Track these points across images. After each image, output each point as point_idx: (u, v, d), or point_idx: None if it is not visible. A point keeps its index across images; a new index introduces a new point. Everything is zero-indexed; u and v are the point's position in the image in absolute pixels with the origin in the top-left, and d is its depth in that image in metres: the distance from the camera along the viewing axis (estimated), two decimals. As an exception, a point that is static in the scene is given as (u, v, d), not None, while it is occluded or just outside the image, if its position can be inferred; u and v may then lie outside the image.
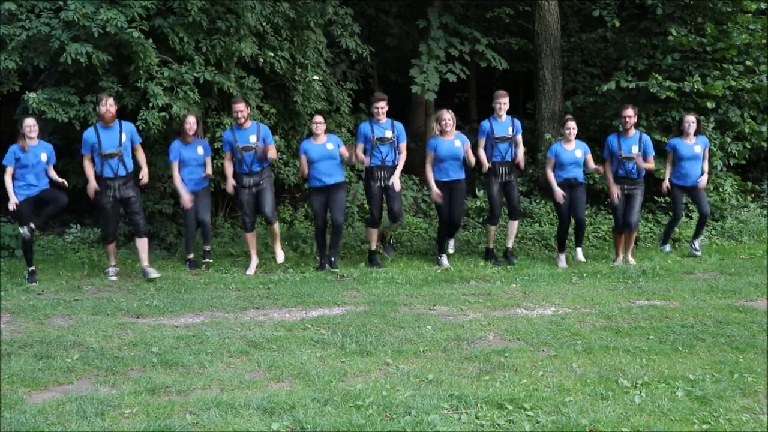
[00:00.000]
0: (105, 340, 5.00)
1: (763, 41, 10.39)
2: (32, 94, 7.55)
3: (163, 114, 7.87)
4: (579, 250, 8.14)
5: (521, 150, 8.13)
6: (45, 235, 8.69)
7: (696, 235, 8.49)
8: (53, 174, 7.17)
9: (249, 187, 7.53)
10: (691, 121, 8.26)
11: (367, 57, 10.73)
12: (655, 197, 9.99)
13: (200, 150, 7.68)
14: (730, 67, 10.26)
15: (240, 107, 7.44)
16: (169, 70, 7.96)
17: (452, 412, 3.70)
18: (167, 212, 8.67)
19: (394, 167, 7.79)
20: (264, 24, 8.84)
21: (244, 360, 4.59)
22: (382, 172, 7.76)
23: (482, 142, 8.03)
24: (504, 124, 8.01)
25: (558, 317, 5.64)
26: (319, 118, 7.75)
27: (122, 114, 7.66)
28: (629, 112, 7.94)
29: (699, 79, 9.92)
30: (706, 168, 8.34)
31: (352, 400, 3.82)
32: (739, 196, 10.46)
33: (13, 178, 6.94)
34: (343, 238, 8.86)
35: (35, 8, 7.77)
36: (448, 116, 7.82)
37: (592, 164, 8.07)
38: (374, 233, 8.02)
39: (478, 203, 10.22)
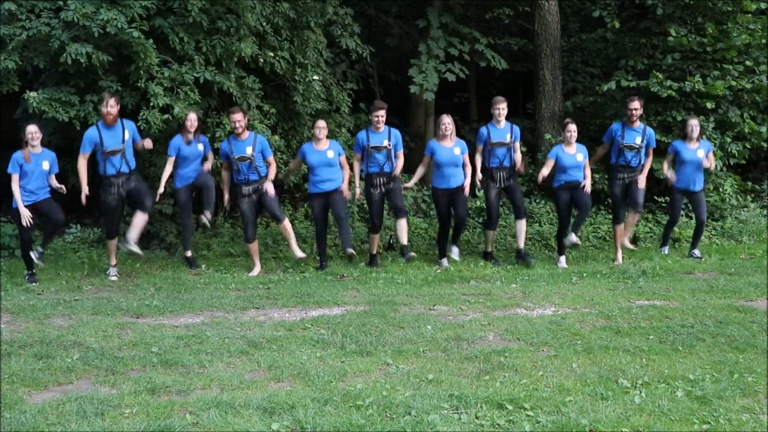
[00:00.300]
0: (105, 340, 5.00)
1: (763, 41, 10.39)
2: (32, 94, 7.55)
3: (166, 116, 7.87)
4: (573, 235, 7.99)
5: (519, 155, 8.13)
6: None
7: (694, 244, 8.45)
8: (54, 182, 7.14)
9: (249, 195, 7.53)
10: (694, 125, 8.17)
11: (367, 57, 10.73)
12: (655, 197, 9.99)
13: (200, 146, 7.70)
14: (730, 67, 10.27)
15: (237, 117, 7.43)
16: (169, 70, 7.96)
17: (452, 412, 3.70)
18: (167, 212, 8.66)
19: (391, 174, 7.82)
20: (264, 24, 8.84)
21: (244, 360, 4.59)
22: (381, 179, 7.78)
23: (480, 148, 8.05)
24: (502, 130, 8.01)
25: (558, 317, 5.64)
26: (321, 123, 7.78)
27: (122, 113, 7.66)
28: (635, 104, 7.98)
29: (700, 79, 9.92)
30: (710, 162, 8.27)
31: (352, 400, 3.82)
32: (739, 196, 10.46)
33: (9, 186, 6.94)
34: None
35: (35, 8, 7.77)
36: (447, 120, 7.84)
37: (588, 171, 8.09)
38: (376, 238, 8.00)
39: (478, 203, 10.22)
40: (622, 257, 8.17)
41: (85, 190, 7.06)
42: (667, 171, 8.30)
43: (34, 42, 7.66)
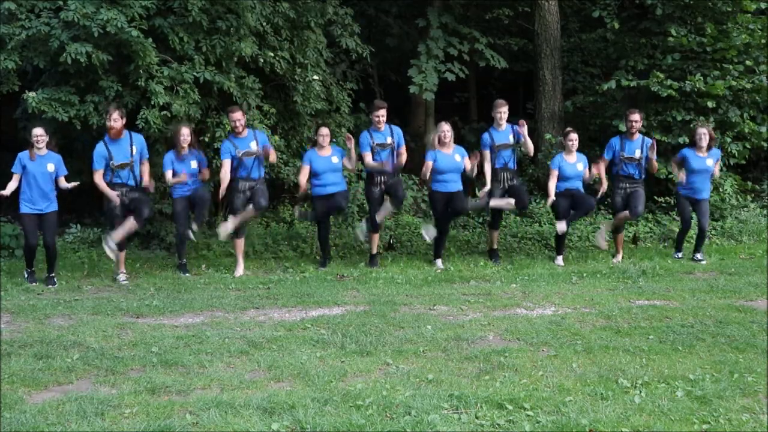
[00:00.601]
0: (105, 340, 4.99)
1: (763, 41, 10.39)
2: (32, 94, 7.55)
3: (164, 113, 7.87)
4: (559, 258, 8.18)
5: (530, 144, 8.07)
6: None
7: (697, 249, 8.32)
8: (64, 184, 7.07)
9: (243, 191, 7.50)
10: (703, 133, 8.03)
11: (367, 57, 10.73)
12: (655, 197, 9.99)
13: (194, 164, 7.51)
14: (730, 67, 10.27)
15: (237, 116, 7.43)
16: (169, 69, 7.96)
17: (452, 412, 3.70)
18: (167, 212, 8.66)
19: (393, 171, 7.85)
20: (264, 24, 8.84)
21: (244, 360, 4.59)
22: (382, 177, 7.79)
23: (487, 154, 8.03)
24: (504, 132, 8.05)
25: (558, 317, 5.64)
26: (324, 131, 7.84)
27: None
28: (636, 116, 8.01)
29: (701, 77, 9.92)
30: (716, 171, 8.21)
31: (352, 400, 3.82)
32: (739, 196, 10.46)
33: (19, 187, 6.89)
34: (342, 238, 8.89)
35: (35, 8, 7.77)
36: (446, 128, 7.89)
37: (587, 175, 8.11)
38: (376, 238, 8.02)
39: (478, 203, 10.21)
40: (621, 258, 8.20)
41: (112, 194, 7.01)
42: (677, 171, 8.20)
43: (33, 42, 7.66)
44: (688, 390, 4.03)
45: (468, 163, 7.87)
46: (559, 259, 8.16)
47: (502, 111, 8.02)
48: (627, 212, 8.03)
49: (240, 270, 7.60)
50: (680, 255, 8.38)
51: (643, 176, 8.11)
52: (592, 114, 11.18)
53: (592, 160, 8.26)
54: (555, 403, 3.81)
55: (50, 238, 7.09)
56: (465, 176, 7.98)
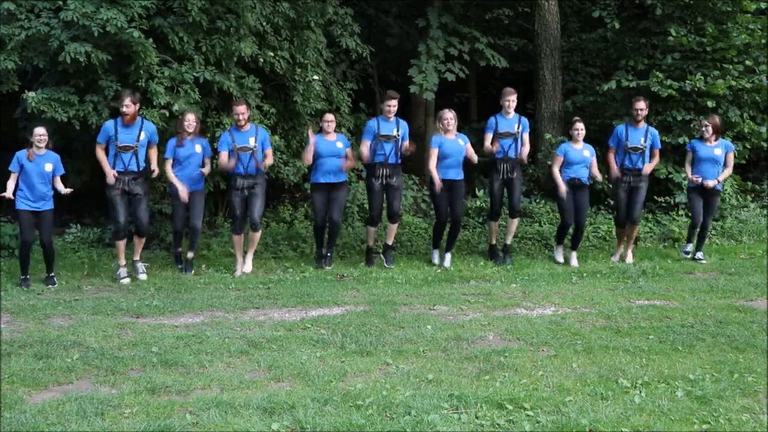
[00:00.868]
0: (105, 340, 4.99)
1: (763, 41, 10.39)
2: (31, 94, 7.55)
3: (163, 111, 7.86)
4: (574, 254, 8.19)
5: (527, 148, 8.13)
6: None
7: (698, 247, 8.29)
8: (59, 186, 7.06)
9: (241, 189, 7.48)
10: (705, 124, 8.13)
11: (367, 57, 10.73)
12: (655, 197, 9.99)
13: (198, 148, 7.54)
14: (730, 67, 10.27)
15: (241, 109, 7.45)
16: (169, 69, 7.96)
17: (452, 412, 3.69)
18: (167, 212, 8.65)
19: (395, 165, 7.84)
20: (264, 24, 8.84)
21: (244, 360, 4.59)
22: (384, 170, 7.78)
23: (489, 137, 8.05)
24: (510, 121, 8.07)
25: (558, 317, 5.64)
26: (330, 116, 7.89)
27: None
28: (641, 104, 8.01)
29: (702, 77, 9.92)
30: (724, 174, 8.12)
31: (352, 400, 3.82)
32: (739, 196, 10.46)
33: (16, 185, 6.91)
34: (342, 238, 8.87)
35: (35, 8, 7.77)
36: (450, 115, 7.88)
37: (595, 170, 8.09)
38: (372, 232, 8.02)
39: (478, 203, 10.22)
40: (622, 259, 8.20)
41: (109, 171, 7.03)
42: (691, 174, 8.10)
43: (33, 42, 7.66)
44: (688, 390, 4.03)
45: (471, 150, 7.88)
46: (573, 257, 8.14)
47: (511, 99, 8.09)
48: (627, 222, 8.11)
49: (240, 268, 7.58)
50: (690, 248, 8.32)
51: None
52: (592, 114, 11.18)
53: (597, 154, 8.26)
54: (555, 403, 3.81)
55: (46, 236, 7.10)
56: (467, 166, 7.99)
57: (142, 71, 7.72)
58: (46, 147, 7.00)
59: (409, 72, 10.33)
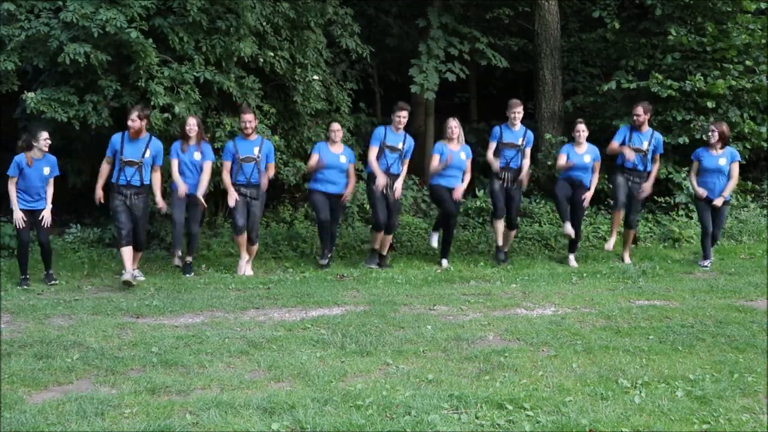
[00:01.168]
0: (105, 340, 4.99)
1: (763, 41, 10.39)
2: (30, 94, 7.55)
3: (166, 115, 7.87)
4: (572, 256, 8.22)
5: (527, 162, 8.14)
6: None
7: (706, 255, 7.98)
8: (50, 190, 7.06)
9: (244, 195, 7.50)
10: (711, 129, 7.91)
11: (367, 57, 10.73)
12: (655, 197, 9.99)
13: (197, 155, 7.45)
14: (730, 66, 10.27)
15: (249, 117, 7.48)
16: (169, 69, 7.96)
17: (452, 412, 3.69)
18: (167, 212, 8.65)
19: (397, 176, 7.85)
20: (264, 24, 8.84)
21: (244, 360, 4.59)
22: (387, 179, 7.80)
23: (492, 146, 8.07)
24: (516, 133, 8.08)
25: (558, 317, 5.64)
26: (336, 126, 7.91)
27: (121, 112, 7.66)
28: (638, 110, 8.00)
29: (701, 77, 9.92)
30: (728, 187, 7.88)
31: (352, 400, 3.82)
32: (739, 196, 10.47)
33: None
34: (342, 238, 8.88)
35: (34, 8, 7.77)
36: (454, 124, 7.91)
37: (595, 178, 8.10)
38: (379, 236, 7.90)
39: (478, 203, 10.22)
40: (621, 259, 8.20)
41: (99, 193, 7.05)
42: (697, 188, 7.93)
43: (33, 42, 7.66)
44: (688, 390, 4.03)
45: (469, 166, 7.91)
46: (571, 258, 8.17)
47: (517, 111, 8.08)
48: (625, 228, 8.16)
49: (243, 265, 7.58)
50: (706, 263, 7.89)
51: (648, 169, 8.06)
52: (592, 114, 11.18)
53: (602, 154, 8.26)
54: (555, 403, 3.81)
55: (44, 236, 7.11)
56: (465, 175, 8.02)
57: (141, 71, 7.72)
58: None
59: (410, 72, 10.33)
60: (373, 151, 7.78)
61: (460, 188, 7.90)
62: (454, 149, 7.83)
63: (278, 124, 9.44)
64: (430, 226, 9.51)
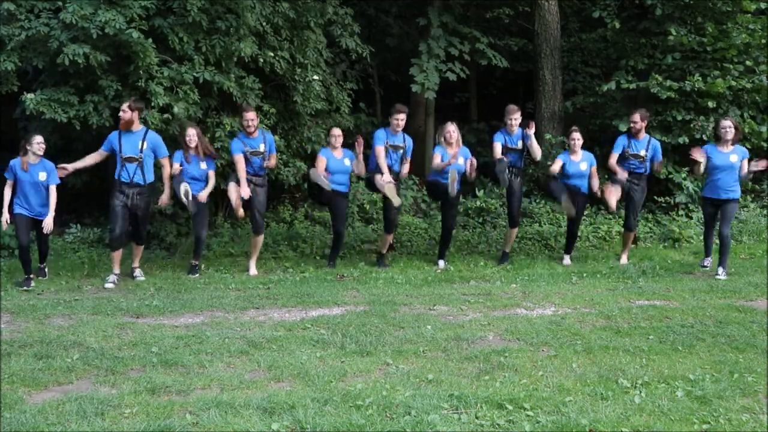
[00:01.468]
0: (105, 340, 4.99)
1: (763, 41, 10.39)
2: (30, 95, 7.54)
3: (166, 116, 7.87)
4: (567, 257, 8.28)
5: (536, 145, 8.12)
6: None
7: (720, 262, 7.39)
8: (53, 197, 6.95)
9: (253, 184, 7.58)
10: (727, 126, 7.39)
11: (367, 57, 10.73)
12: (655, 197, 9.99)
13: (203, 165, 7.49)
14: (731, 66, 10.27)
15: (251, 116, 7.51)
16: (169, 69, 7.96)
17: (452, 412, 3.69)
18: (167, 212, 8.66)
19: (398, 175, 7.92)
20: (264, 24, 8.84)
21: (244, 360, 4.59)
22: (392, 175, 7.82)
23: (498, 146, 8.06)
24: (515, 137, 8.11)
25: (558, 317, 5.64)
26: (337, 131, 7.92)
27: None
28: (635, 117, 7.99)
29: (700, 78, 9.92)
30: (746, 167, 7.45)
31: (352, 400, 3.82)
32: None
33: (13, 191, 6.91)
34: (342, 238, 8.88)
35: (34, 8, 7.77)
36: (452, 128, 7.91)
37: (595, 182, 8.09)
38: (389, 239, 8.05)
39: (478, 203, 10.23)
40: (627, 258, 8.22)
41: (73, 166, 7.01)
42: (698, 156, 7.43)
43: (33, 42, 7.66)
44: (688, 390, 4.03)
45: (470, 167, 7.91)
46: (566, 258, 8.21)
47: (514, 118, 8.07)
48: (625, 230, 8.22)
49: (253, 266, 7.68)
50: (707, 262, 7.64)
51: (648, 171, 8.06)
52: (592, 114, 11.19)
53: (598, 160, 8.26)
54: (555, 403, 3.81)
55: (44, 245, 7.09)
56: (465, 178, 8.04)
57: (141, 71, 7.71)
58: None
59: (410, 71, 10.34)
60: (380, 150, 7.79)
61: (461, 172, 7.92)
62: (451, 153, 7.83)
63: (278, 124, 9.44)
64: (430, 227, 9.52)
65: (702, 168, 7.50)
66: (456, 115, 12.70)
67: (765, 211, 10.29)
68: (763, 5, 10.78)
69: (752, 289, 6.68)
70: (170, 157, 7.36)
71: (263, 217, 7.81)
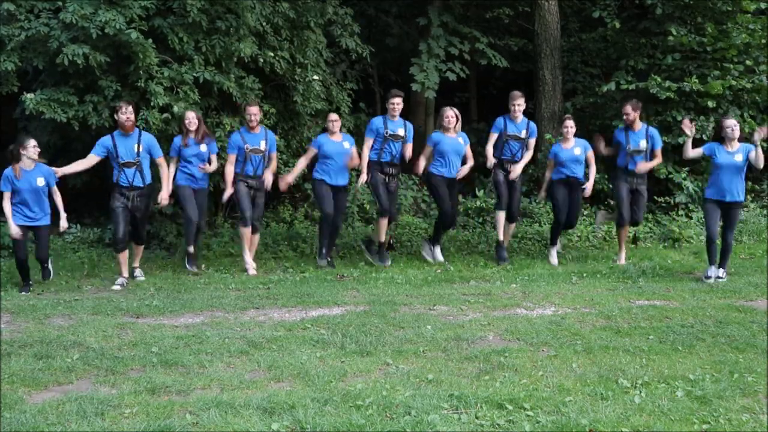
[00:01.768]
0: (105, 340, 4.99)
1: (763, 41, 10.39)
2: (29, 96, 7.54)
3: (165, 115, 7.87)
4: (554, 250, 8.21)
5: (529, 153, 8.13)
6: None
7: (721, 264, 7.22)
8: (57, 198, 6.92)
9: (250, 188, 7.55)
10: (732, 125, 7.10)
11: (367, 57, 10.74)
12: (655, 197, 9.99)
13: (203, 147, 7.52)
14: (730, 66, 10.27)
15: (254, 110, 7.51)
16: (169, 69, 7.97)
17: (452, 412, 3.69)
18: (167, 212, 8.66)
19: (399, 166, 7.89)
20: (264, 24, 8.84)
21: (244, 360, 4.59)
22: (391, 169, 7.81)
23: (493, 137, 8.02)
24: (519, 125, 8.05)
25: (558, 317, 5.64)
26: (334, 116, 7.88)
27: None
28: (626, 109, 7.94)
29: (697, 80, 9.92)
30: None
31: (352, 400, 3.82)
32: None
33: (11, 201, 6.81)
34: (342, 238, 8.88)
35: (34, 8, 7.77)
36: (451, 113, 7.86)
37: (593, 170, 8.07)
38: (384, 225, 7.91)
39: (478, 203, 10.22)
40: (625, 257, 8.20)
41: (62, 171, 6.91)
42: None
43: (33, 42, 7.67)
44: (688, 390, 4.03)
45: (469, 151, 7.88)
46: (553, 253, 8.19)
47: (518, 103, 8.02)
48: (632, 225, 8.13)
49: (249, 262, 7.64)
50: (711, 272, 7.14)
51: (649, 159, 8.01)
52: (592, 114, 11.18)
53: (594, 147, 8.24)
54: (555, 403, 3.81)
55: (43, 253, 6.98)
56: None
57: (141, 72, 7.72)
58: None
59: (410, 70, 10.33)
60: (367, 143, 7.75)
61: (463, 169, 7.88)
62: (450, 136, 7.78)
63: (278, 124, 9.45)
64: (430, 227, 9.50)
65: (690, 142, 7.38)
66: (458, 114, 12.70)
67: (765, 211, 10.29)
68: (763, 5, 10.78)
69: (752, 289, 6.68)
70: (166, 155, 7.40)
71: (261, 220, 7.77)
